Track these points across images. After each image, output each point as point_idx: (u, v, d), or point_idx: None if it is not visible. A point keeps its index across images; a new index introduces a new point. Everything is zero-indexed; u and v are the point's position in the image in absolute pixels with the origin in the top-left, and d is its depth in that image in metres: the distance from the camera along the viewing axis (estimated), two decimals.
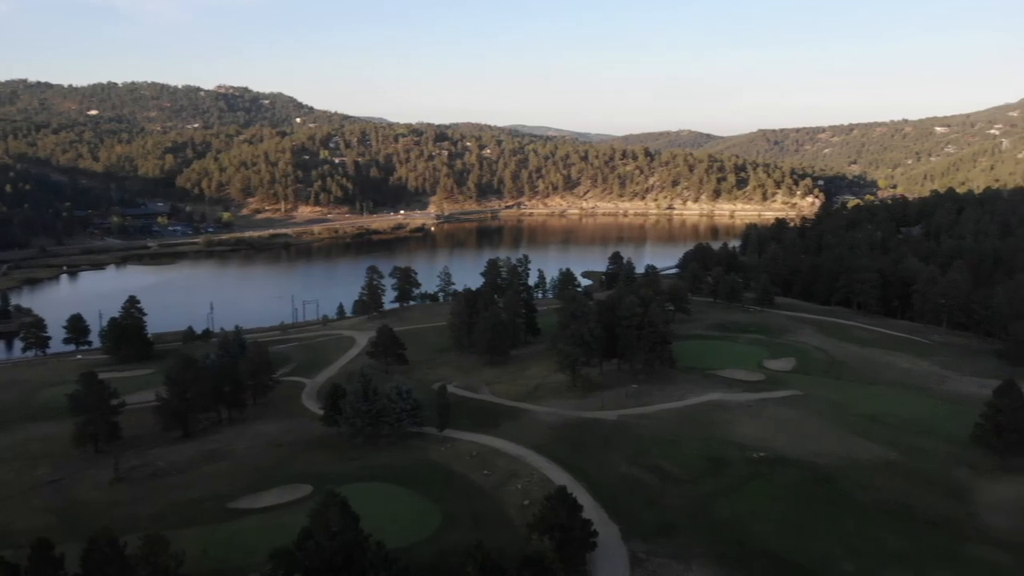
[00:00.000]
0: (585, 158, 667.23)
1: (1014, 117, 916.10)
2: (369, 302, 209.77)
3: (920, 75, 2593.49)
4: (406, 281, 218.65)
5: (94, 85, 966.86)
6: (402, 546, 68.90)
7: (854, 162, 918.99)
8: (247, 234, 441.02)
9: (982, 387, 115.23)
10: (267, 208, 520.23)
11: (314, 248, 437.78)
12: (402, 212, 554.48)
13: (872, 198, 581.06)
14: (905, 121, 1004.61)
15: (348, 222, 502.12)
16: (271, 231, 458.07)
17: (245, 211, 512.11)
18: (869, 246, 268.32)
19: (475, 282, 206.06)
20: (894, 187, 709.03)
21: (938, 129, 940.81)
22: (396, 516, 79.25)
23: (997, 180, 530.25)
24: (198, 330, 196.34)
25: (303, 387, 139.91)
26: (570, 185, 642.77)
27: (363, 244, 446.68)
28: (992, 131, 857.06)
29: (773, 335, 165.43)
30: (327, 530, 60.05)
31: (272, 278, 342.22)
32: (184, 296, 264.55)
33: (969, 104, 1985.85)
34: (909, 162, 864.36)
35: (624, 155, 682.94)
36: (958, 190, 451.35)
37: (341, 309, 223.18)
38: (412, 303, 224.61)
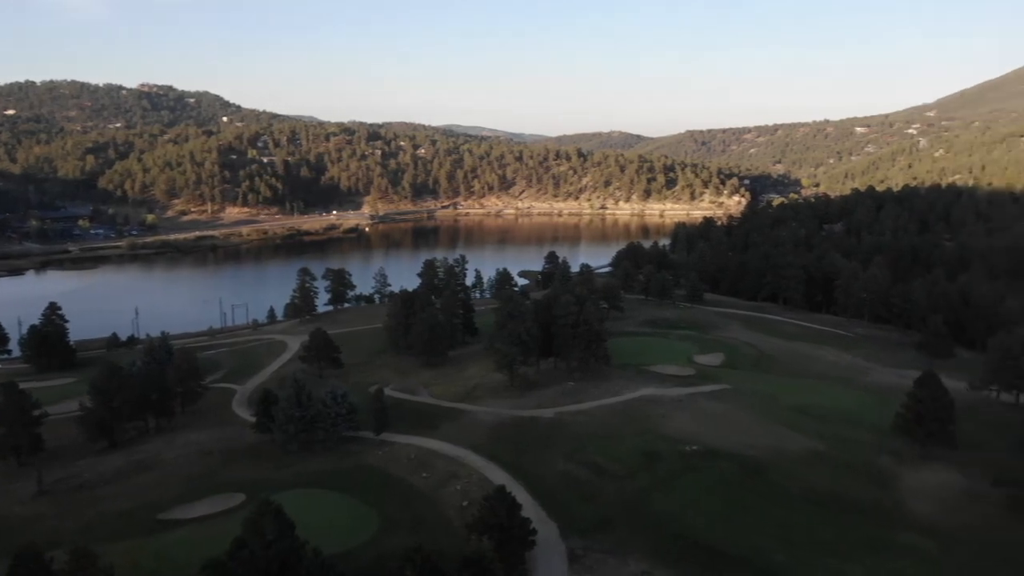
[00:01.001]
0: (520, 158, 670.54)
1: (930, 117, 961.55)
2: (301, 305, 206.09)
3: (841, 77, 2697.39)
4: (340, 283, 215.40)
5: (10, 84, 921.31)
6: (340, 552, 68.11)
7: (778, 161, 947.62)
8: (172, 236, 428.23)
9: (903, 378, 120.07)
10: (193, 209, 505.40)
11: (243, 250, 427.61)
12: (335, 212, 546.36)
13: (796, 196, 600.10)
14: (827, 122, 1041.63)
15: (278, 223, 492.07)
16: (197, 233, 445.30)
17: (170, 213, 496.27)
18: (793, 243, 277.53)
19: (412, 283, 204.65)
20: (817, 186, 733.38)
21: (858, 129, 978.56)
22: (333, 522, 78.20)
23: (915, 178, 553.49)
24: (123, 337, 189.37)
25: (234, 394, 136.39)
26: (505, 185, 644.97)
27: (294, 246, 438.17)
28: (910, 131, 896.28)
29: (703, 331, 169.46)
30: (262, 539, 58.81)
31: (199, 282, 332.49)
32: (107, 302, 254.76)
33: (888, 105, 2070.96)
34: (831, 161, 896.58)
35: (558, 156, 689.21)
36: (878, 188, 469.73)
37: (272, 313, 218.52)
38: (347, 305, 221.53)
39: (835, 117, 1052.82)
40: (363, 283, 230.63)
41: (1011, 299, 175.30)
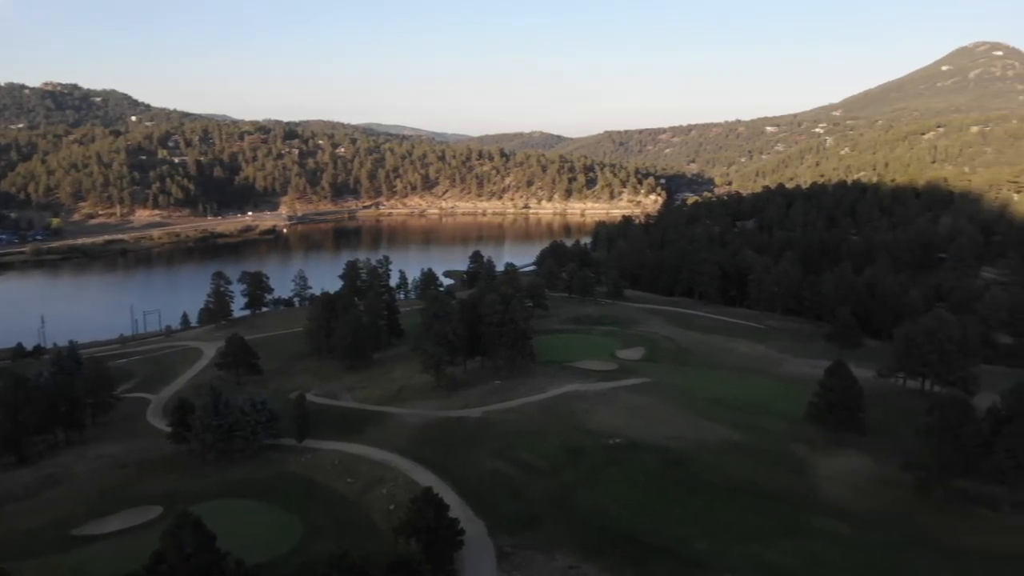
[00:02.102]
0: (443, 158, 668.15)
1: (837, 116, 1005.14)
2: (216, 310, 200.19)
3: (752, 78, 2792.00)
4: (257, 286, 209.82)
5: None
6: (263, 562, 66.68)
7: (693, 161, 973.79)
8: (79, 241, 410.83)
9: (814, 368, 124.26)
10: (101, 213, 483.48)
11: (154, 254, 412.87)
12: (250, 214, 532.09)
13: (710, 195, 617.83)
14: (738, 122, 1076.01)
15: (191, 225, 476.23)
16: (106, 237, 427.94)
17: (77, 216, 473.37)
18: (708, 240, 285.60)
19: (333, 285, 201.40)
20: (729, 184, 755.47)
21: (768, 129, 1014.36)
22: (256, 531, 76.46)
23: (822, 176, 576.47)
24: (28, 346, 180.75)
25: (147, 403, 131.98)
26: (429, 185, 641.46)
27: (208, 248, 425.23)
28: (817, 130, 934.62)
29: (624, 326, 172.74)
30: (180, 552, 56.92)
31: (108, 288, 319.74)
32: (11, 310, 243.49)
33: (796, 105, 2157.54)
34: (743, 160, 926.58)
35: (481, 155, 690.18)
36: (787, 186, 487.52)
37: (186, 319, 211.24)
38: (265, 309, 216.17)
39: (746, 117, 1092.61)
40: (281, 286, 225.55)
41: (914, 290, 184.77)
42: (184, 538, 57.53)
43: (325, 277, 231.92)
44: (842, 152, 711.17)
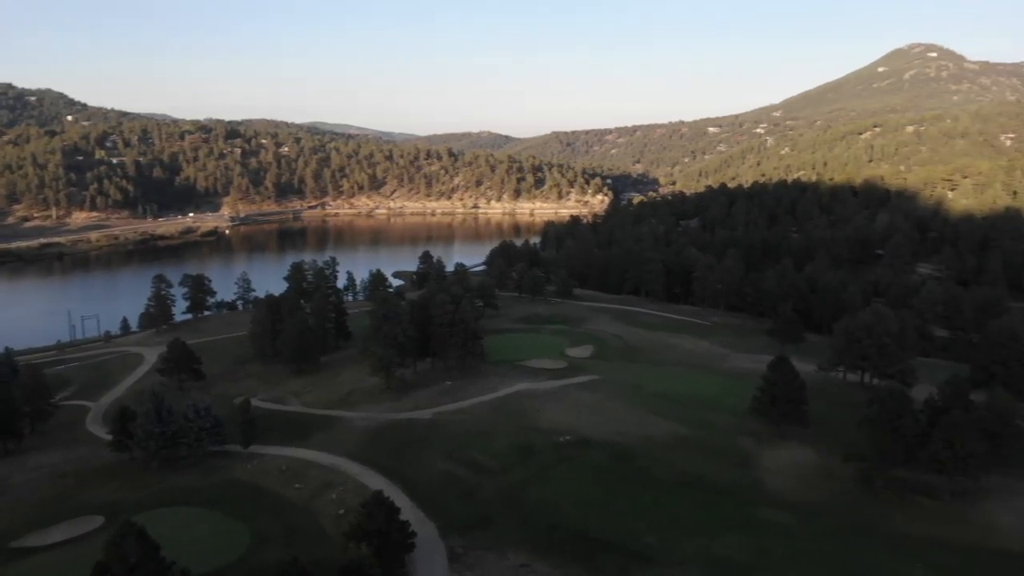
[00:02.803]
0: (390, 157, 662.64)
1: (777, 117, 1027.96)
2: (157, 314, 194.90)
3: (694, 80, 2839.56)
4: (199, 290, 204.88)
5: None
6: (210, 571, 65.68)
7: (638, 161, 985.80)
8: (13, 245, 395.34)
9: (757, 363, 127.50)
10: (36, 215, 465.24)
11: (92, 257, 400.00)
12: (191, 215, 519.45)
13: (654, 195, 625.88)
14: (682, 122, 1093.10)
15: (130, 228, 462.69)
16: (42, 240, 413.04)
17: (10, 219, 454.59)
18: (653, 239, 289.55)
19: (278, 287, 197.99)
20: (673, 184, 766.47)
21: (711, 129, 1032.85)
22: (202, 540, 74.92)
23: (763, 175, 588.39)
24: None
25: (87, 411, 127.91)
26: (376, 185, 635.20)
27: (148, 251, 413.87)
28: (758, 130, 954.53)
29: (573, 325, 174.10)
30: (124, 563, 55.43)
31: (44, 292, 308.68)
32: None
33: (738, 106, 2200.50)
34: (686, 160, 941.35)
35: (429, 155, 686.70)
36: (730, 185, 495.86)
37: (126, 323, 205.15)
38: (207, 313, 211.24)
39: (689, 118, 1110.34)
40: (224, 289, 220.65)
41: (853, 286, 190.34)
42: (128, 548, 56.17)
43: (269, 279, 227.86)
44: (782, 152, 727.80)
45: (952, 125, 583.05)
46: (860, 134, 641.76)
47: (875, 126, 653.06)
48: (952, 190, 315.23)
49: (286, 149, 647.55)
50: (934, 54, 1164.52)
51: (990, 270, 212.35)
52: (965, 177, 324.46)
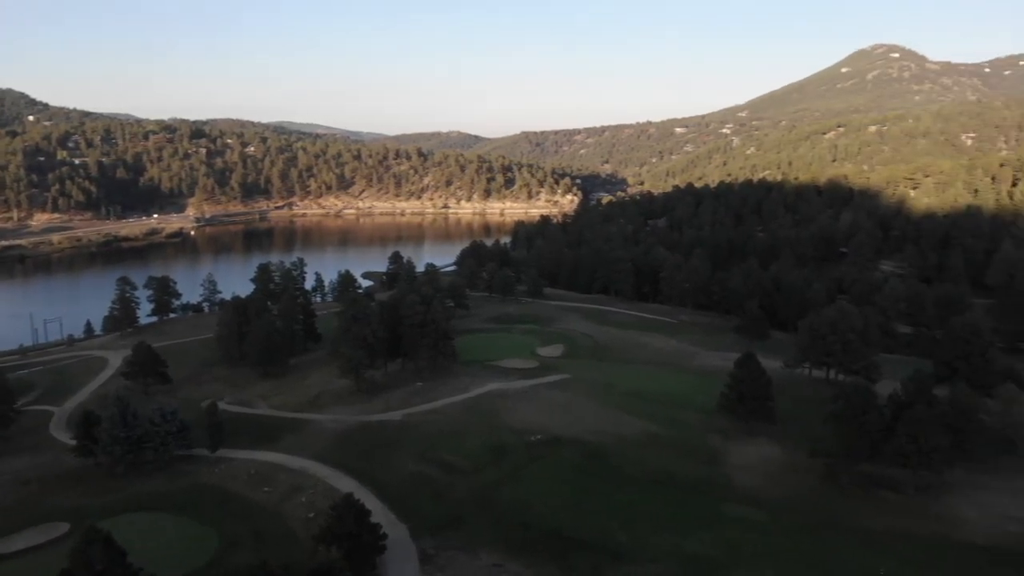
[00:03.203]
0: (358, 157, 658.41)
1: (743, 117, 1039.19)
2: (122, 317, 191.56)
3: (662, 80, 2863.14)
4: (164, 292, 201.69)
5: None
6: None
7: (606, 161, 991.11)
8: None
9: (725, 360, 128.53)
10: None
11: (54, 260, 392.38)
12: (156, 216, 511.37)
13: (623, 194, 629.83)
14: (649, 123, 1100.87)
15: (93, 229, 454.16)
16: (2, 243, 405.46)
17: None
18: (622, 238, 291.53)
19: (244, 289, 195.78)
20: (641, 184, 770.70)
21: (678, 130, 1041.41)
22: (169, 545, 74.03)
23: (729, 175, 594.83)
24: None
25: (51, 416, 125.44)
26: (344, 184, 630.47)
27: (112, 253, 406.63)
28: (724, 131, 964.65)
29: (544, 324, 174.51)
30: (90, 569, 54.61)
31: (6, 296, 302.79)
32: None
33: (704, 106, 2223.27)
34: (654, 160, 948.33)
35: (398, 155, 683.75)
36: (696, 185, 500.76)
37: (89, 327, 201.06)
38: (173, 316, 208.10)
39: (656, 119, 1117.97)
40: (190, 291, 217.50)
41: (818, 283, 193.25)
42: (94, 555, 55.37)
43: (236, 281, 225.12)
44: (748, 152, 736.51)
45: (914, 125, 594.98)
46: (824, 134, 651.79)
47: (839, 126, 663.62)
48: (914, 189, 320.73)
49: (252, 149, 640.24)
50: (896, 55, 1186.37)
51: (951, 267, 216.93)
52: (927, 176, 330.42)
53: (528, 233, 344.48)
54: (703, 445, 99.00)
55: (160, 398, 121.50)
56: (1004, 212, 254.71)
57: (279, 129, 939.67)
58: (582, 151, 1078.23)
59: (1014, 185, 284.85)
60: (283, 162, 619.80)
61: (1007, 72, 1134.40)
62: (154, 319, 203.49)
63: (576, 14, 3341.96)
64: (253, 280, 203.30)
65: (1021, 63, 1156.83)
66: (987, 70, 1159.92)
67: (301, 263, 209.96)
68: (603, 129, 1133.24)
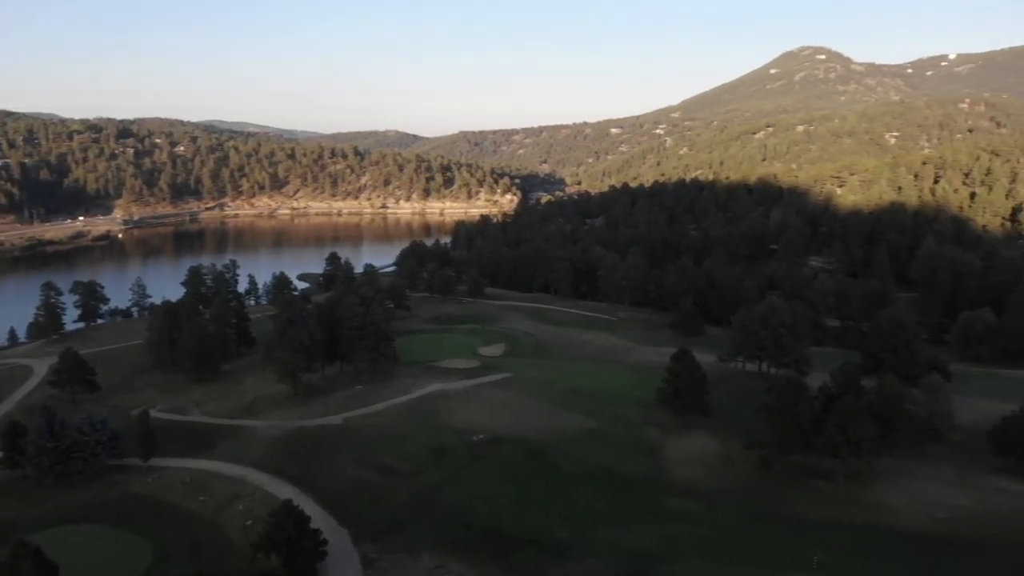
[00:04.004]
0: (292, 156, 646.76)
1: (676, 118, 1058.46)
2: (47, 324, 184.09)
3: (597, 81, 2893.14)
4: (91, 297, 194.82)
5: None
6: None
7: (545, 161, 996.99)
8: None
9: (661, 356, 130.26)
10: None
11: None
12: (81, 219, 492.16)
13: (561, 194, 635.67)
14: (585, 123, 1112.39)
15: (15, 233, 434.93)
16: None
17: None
18: (561, 237, 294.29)
19: (175, 293, 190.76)
20: (579, 183, 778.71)
21: (613, 130, 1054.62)
22: (102, 558, 71.91)
23: (663, 175, 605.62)
24: None
25: None
26: (278, 184, 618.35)
27: (35, 257, 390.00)
28: (658, 131, 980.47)
29: (486, 324, 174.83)
30: None
31: None
32: None
33: (638, 107, 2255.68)
34: (590, 160, 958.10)
35: (334, 154, 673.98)
36: (632, 185, 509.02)
37: (13, 334, 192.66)
38: (100, 322, 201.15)
39: (592, 119, 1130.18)
40: (118, 296, 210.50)
41: (749, 280, 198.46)
42: (23, 570, 53.58)
43: (166, 285, 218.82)
44: (681, 152, 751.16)
45: (840, 124, 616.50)
46: (754, 134, 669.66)
47: (768, 126, 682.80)
48: (840, 187, 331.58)
49: (182, 148, 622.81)
50: (823, 56, 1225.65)
51: (877, 262, 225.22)
52: (852, 174, 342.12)
53: (468, 233, 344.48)
54: (642, 440, 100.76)
55: (89, 407, 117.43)
56: (926, 208, 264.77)
57: (210, 128, 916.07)
58: (520, 151, 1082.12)
59: (936, 182, 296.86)
60: (214, 162, 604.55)
61: (929, 73, 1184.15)
62: (81, 325, 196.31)
63: (512, 15, 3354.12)
64: (184, 283, 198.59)
65: (942, 64, 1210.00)
66: (910, 71, 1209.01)
67: (234, 265, 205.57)
68: (541, 129, 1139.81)
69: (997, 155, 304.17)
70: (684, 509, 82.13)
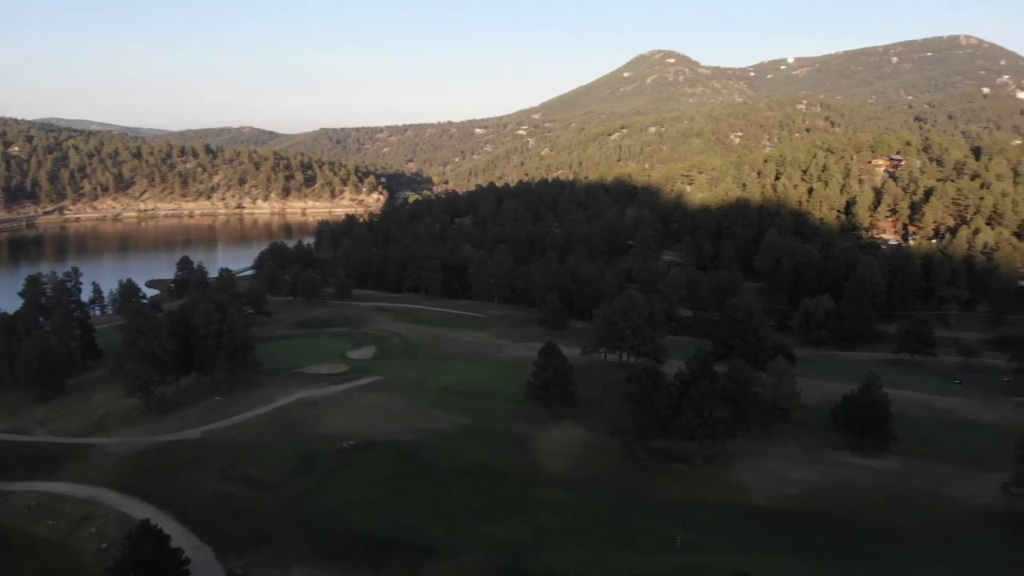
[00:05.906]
0: (138, 155, 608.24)
1: (536, 119, 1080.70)
2: None
3: (461, 81, 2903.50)
4: None
5: None
6: None
7: (411, 160, 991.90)
8: None
9: (530, 350, 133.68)
10: None
11: None
12: None
13: (429, 193, 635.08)
14: (451, 123, 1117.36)
15: None
16: None
17: None
18: (430, 236, 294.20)
19: (12, 304, 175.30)
20: (446, 183, 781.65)
21: (478, 130, 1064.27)
22: None
23: (527, 174, 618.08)
24: None
25: None
26: (123, 185, 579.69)
27: None
28: (520, 132, 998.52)
29: (354, 326, 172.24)
30: None
31: None
32: None
33: (501, 108, 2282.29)
34: (457, 160, 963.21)
35: (183, 152, 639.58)
36: (497, 184, 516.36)
37: None
38: None
39: (457, 119, 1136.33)
40: None
41: (609, 274, 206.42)
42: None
43: (1, 296, 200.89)
44: (543, 152, 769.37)
45: (689, 126, 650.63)
46: (610, 135, 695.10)
47: (623, 127, 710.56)
48: (690, 185, 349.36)
49: (16, 148, 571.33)
50: (672, 60, 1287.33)
51: (724, 255, 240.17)
52: (701, 172, 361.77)
53: (333, 233, 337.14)
54: (513, 434, 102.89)
55: None
56: (769, 203, 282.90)
57: (47, 126, 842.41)
58: (385, 149, 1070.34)
59: (777, 179, 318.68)
60: (52, 162, 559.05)
61: (769, 76, 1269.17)
62: None
63: (375, 13, 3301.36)
64: (21, 294, 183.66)
65: (782, 67, 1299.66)
66: (752, 74, 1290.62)
67: (76, 273, 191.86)
68: (406, 128, 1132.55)
69: (832, 152, 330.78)
70: (555, 499, 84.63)
